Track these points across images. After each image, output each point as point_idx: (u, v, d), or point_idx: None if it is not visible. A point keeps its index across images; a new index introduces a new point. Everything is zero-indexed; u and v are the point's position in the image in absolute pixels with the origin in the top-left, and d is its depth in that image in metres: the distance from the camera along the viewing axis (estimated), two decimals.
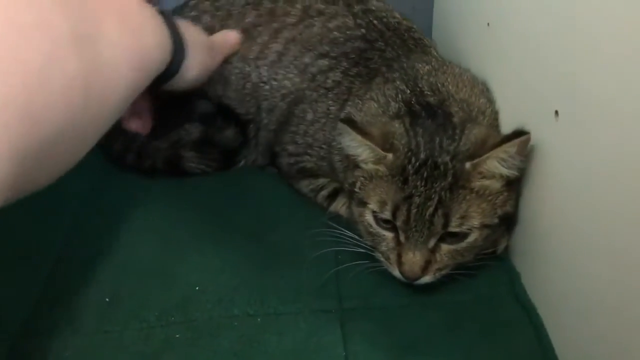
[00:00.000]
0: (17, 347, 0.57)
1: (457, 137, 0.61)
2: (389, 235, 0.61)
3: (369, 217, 0.62)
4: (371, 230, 0.63)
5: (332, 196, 0.75)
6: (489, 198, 0.60)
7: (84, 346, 0.58)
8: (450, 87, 0.69)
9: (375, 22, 0.78)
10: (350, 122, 0.62)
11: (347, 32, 0.77)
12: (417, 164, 0.59)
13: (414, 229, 0.59)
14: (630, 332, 0.44)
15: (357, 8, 0.80)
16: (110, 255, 0.68)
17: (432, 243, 0.60)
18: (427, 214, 0.58)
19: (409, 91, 0.68)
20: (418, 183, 0.59)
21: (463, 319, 0.60)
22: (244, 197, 0.78)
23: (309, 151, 0.76)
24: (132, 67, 0.51)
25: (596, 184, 0.48)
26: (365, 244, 0.65)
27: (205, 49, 0.70)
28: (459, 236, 0.60)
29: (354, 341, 0.58)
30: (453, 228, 0.59)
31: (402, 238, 0.60)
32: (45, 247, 0.68)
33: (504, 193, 0.61)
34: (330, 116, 0.74)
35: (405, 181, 0.59)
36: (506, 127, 0.67)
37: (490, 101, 0.70)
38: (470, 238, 0.60)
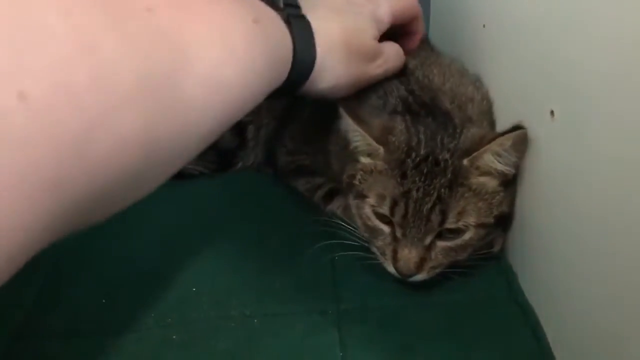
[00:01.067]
0: (13, 350, 0.57)
1: (457, 136, 0.61)
2: (386, 229, 0.61)
3: (367, 211, 0.62)
4: (369, 223, 0.63)
5: (329, 196, 0.76)
6: (486, 197, 0.60)
7: (81, 348, 0.57)
8: (436, 79, 0.69)
9: None
10: (348, 107, 0.62)
11: None
12: (418, 159, 0.59)
13: (411, 225, 0.59)
14: (628, 332, 0.44)
15: None
16: (107, 257, 0.68)
17: (428, 240, 0.60)
18: (425, 209, 0.58)
19: (403, 88, 0.68)
20: (417, 178, 0.59)
21: (460, 319, 0.60)
22: (241, 198, 0.78)
23: (306, 149, 0.76)
24: (226, 99, 0.44)
25: (592, 184, 0.48)
26: (362, 237, 0.65)
27: (356, 54, 0.62)
28: (455, 233, 0.60)
29: (350, 342, 0.57)
30: (450, 224, 0.59)
31: (398, 234, 0.60)
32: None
33: (500, 193, 0.61)
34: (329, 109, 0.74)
35: (403, 176, 0.59)
36: (502, 127, 0.67)
37: (479, 89, 0.70)
38: (466, 236, 0.60)
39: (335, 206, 0.74)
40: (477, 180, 0.60)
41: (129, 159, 0.36)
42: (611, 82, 0.44)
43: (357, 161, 0.64)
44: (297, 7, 0.57)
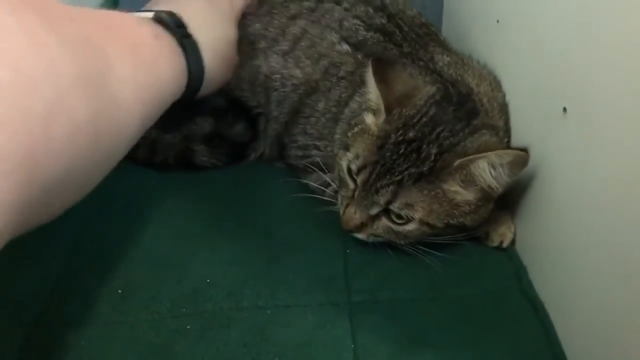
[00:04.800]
0: (32, 338, 0.58)
1: (461, 135, 0.61)
2: (351, 185, 0.64)
3: (343, 162, 0.65)
4: (341, 174, 0.65)
5: None
6: (445, 204, 0.61)
7: (97, 337, 0.58)
8: (471, 80, 0.69)
9: (392, 16, 0.79)
10: (376, 64, 0.63)
11: (366, 22, 0.78)
12: (400, 138, 0.60)
13: (365, 191, 0.61)
14: (637, 327, 0.45)
15: (376, 1, 0.81)
16: (123, 248, 0.68)
17: (374, 211, 0.62)
18: (380, 184, 0.60)
19: (438, 80, 0.69)
20: (389, 154, 0.60)
21: (470, 312, 0.61)
22: (254, 191, 0.78)
23: (317, 143, 0.76)
24: (145, 101, 0.51)
25: (603, 180, 0.49)
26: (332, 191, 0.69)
27: (230, 56, 0.73)
28: (400, 218, 0.61)
29: (362, 334, 0.58)
30: (394, 208, 0.61)
31: (356, 193, 0.63)
32: (58, 239, 0.69)
33: (470, 207, 0.62)
34: (342, 103, 0.75)
35: (381, 147, 0.61)
36: (515, 124, 0.67)
37: (504, 95, 0.71)
38: (409, 226, 0.62)
39: None
40: (451, 187, 0.60)
41: (82, 144, 0.40)
42: (623, 82, 0.45)
43: (363, 120, 0.65)
44: (184, 27, 0.64)
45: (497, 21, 0.72)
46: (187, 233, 0.71)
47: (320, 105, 0.77)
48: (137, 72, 0.50)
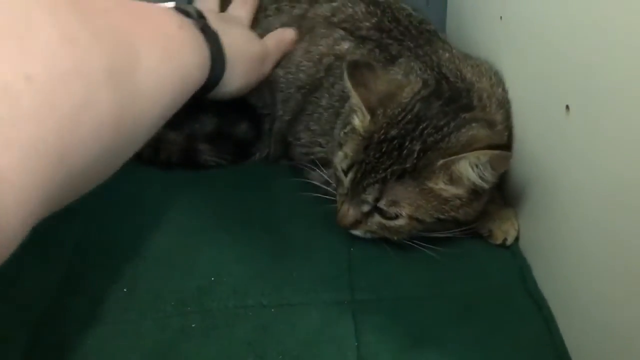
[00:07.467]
0: (37, 337, 0.59)
1: (445, 131, 0.61)
2: (345, 183, 0.64)
3: (337, 161, 0.65)
4: (337, 172, 0.66)
5: None
6: (432, 199, 0.61)
7: (103, 335, 0.59)
8: (471, 76, 0.69)
9: (387, 13, 0.79)
10: (351, 67, 0.64)
11: (359, 24, 0.78)
12: (383, 137, 0.61)
13: (354, 190, 0.62)
14: None
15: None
16: (128, 247, 0.69)
17: (365, 209, 0.63)
18: (365, 183, 0.61)
19: (433, 75, 0.69)
20: (373, 153, 0.61)
21: (473, 310, 0.61)
22: (258, 189, 0.79)
23: (320, 140, 0.77)
24: (169, 90, 0.52)
25: (606, 178, 0.49)
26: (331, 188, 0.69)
27: (252, 60, 0.72)
28: (390, 215, 0.62)
29: (366, 332, 0.58)
30: (382, 205, 0.61)
31: (348, 192, 0.63)
32: (63, 238, 0.69)
33: (460, 200, 0.62)
34: (344, 97, 0.74)
35: (366, 147, 0.62)
36: (518, 121, 0.67)
37: (505, 91, 0.71)
38: (398, 222, 0.62)
39: None
40: (437, 185, 0.61)
41: (105, 136, 0.41)
42: (626, 79, 0.45)
43: (351, 120, 0.66)
44: (205, 18, 0.65)
45: (501, 18, 0.72)
46: (191, 231, 0.71)
47: (324, 101, 0.77)
48: (163, 63, 0.51)
